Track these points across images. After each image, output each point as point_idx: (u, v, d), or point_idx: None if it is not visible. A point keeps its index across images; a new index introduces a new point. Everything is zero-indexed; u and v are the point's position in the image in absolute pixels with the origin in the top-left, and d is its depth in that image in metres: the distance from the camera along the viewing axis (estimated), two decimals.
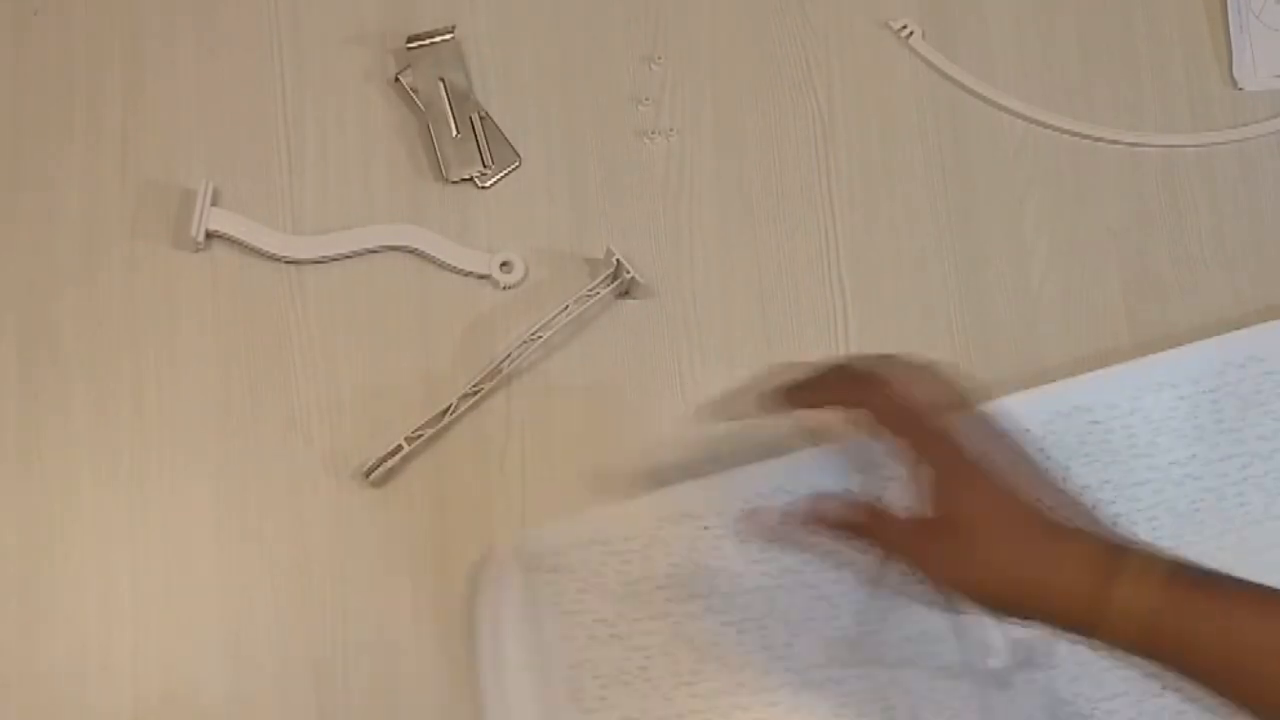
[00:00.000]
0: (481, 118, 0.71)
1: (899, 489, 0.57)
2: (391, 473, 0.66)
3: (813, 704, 0.64)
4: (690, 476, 0.66)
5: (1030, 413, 0.66)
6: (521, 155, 0.71)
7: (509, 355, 0.67)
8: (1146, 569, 0.52)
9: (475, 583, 0.65)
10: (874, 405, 0.57)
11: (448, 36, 0.71)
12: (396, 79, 0.71)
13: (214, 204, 0.68)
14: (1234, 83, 0.75)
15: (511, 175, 0.71)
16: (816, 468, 0.65)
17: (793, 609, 0.65)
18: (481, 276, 0.69)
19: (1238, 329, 0.69)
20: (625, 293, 0.69)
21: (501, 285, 0.69)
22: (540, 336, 0.67)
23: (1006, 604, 0.54)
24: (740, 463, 0.66)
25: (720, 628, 0.64)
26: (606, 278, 0.68)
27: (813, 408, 0.60)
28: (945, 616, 0.64)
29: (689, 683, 0.64)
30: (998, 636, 0.64)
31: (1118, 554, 0.53)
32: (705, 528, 0.65)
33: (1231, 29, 0.75)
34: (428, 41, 0.71)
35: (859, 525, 0.58)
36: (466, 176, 0.70)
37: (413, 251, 0.69)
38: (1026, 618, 0.54)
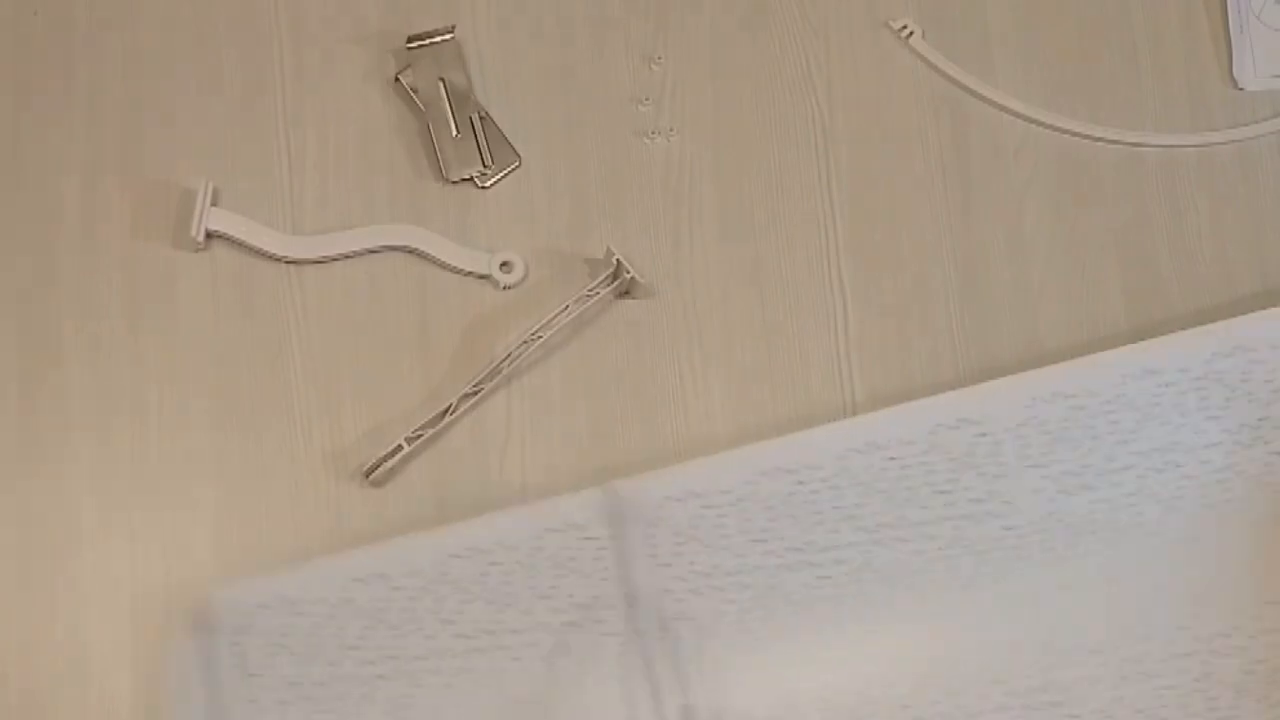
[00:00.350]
0: (481, 118, 0.71)
1: None
2: (391, 473, 0.66)
3: None
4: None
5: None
6: (521, 155, 0.71)
7: (509, 355, 0.67)
8: None
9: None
10: None
11: (448, 36, 0.71)
12: (396, 79, 0.71)
13: (214, 204, 0.68)
14: (1234, 83, 0.75)
15: (511, 175, 0.71)
16: (511, 527, 0.64)
17: (485, 670, 0.63)
18: (481, 276, 0.69)
19: None
20: (625, 293, 0.69)
21: (501, 285, 0.69)
22: (540, 336, 0.67)
23: None
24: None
25: (408, 689, 0.63)
26: (606, 278, 0.68)
27: None
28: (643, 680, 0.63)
29: None
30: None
31: None
32: (396, 588, 0.63)
33: (1231, 29, 0.75)
34: (428, 41, 0.71)
35: None
36: (466, 176, 0.70)
37: (413, 251, 0.69)
38: None
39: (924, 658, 0.65)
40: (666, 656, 0.64)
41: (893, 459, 0.65)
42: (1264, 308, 0.70)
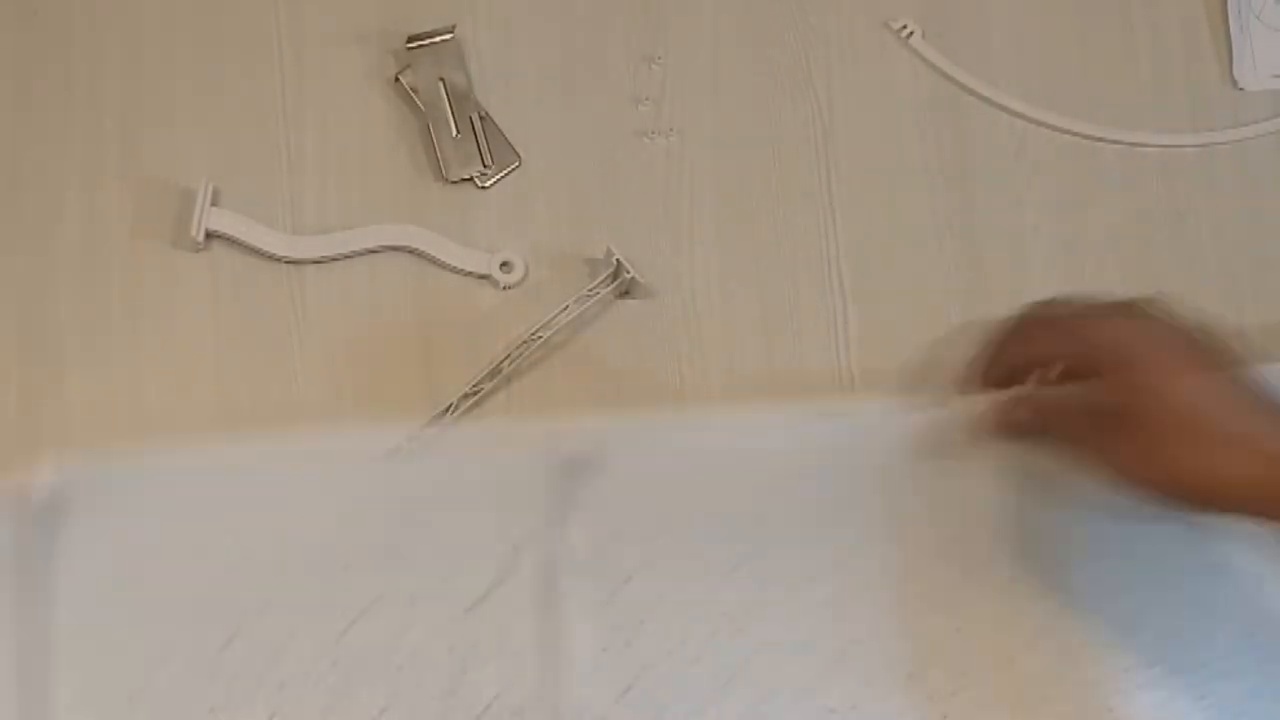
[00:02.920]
0: (481, 118, 0.71)
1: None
2: None
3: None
4: None
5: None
6: (521, 155, 0.71)
7: (509, 355, 0.67)
8: None
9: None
10: (1039, 329, 0.55)
11: (448, 36, 0.71)
12: (396, 79, 0.71)
13: (214, 204, 0.68)
14: (1234, 83, 0.75)
15: (511, 175, 0.71)
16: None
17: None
18: (481, 276, 0.69)
19: (1238, 330, 0.69)
20: (625, 293, 0.69)
21: (501, 285, 0.69)
22: (540, 336, 0.67)
23: (1195, 498, 0.51)
24: None
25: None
26: (606, 278, 0.68)
27: (1016, 379, 0.56)
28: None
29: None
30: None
31: None
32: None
33: (1231, 29, 0.75)
34: (428, 41, 0.71)
35: (1042, 410, 0.55)
36: (466, 176, 0.70)
37: (413, 251, 0.69)
38: (1215, 510, 0.51)
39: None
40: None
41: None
42: (1264, 309, 0.71)
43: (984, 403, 0.56)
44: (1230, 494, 0.51)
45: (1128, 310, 0.55)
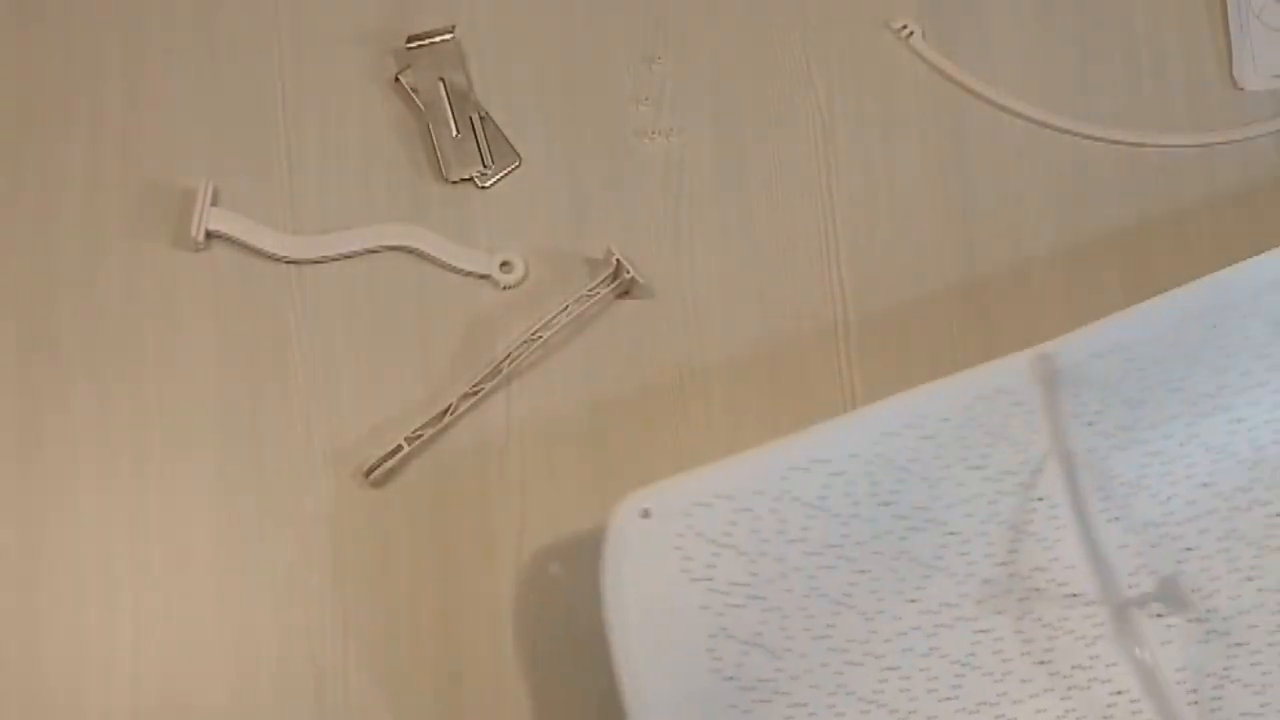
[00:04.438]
0: (481, 118, 0.71)
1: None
2: (391, 473, 0.66)
3: (946, 645, 0.62)
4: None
5: (1155, 319, 0.64)
6: (521, 155, 0.71)
7: (509, 355, 0.67)
8: None
9: (598, 554, 0.61)
10: None
11: (448, 36, 0.71)
12: (396, 79, 0.71)
13: (214, 204, 0.68)
14: (1234, 83, 0.75)
15: (511, 175, 0.71)
16: (944, 399, 0.63)
17: (923, 549, 0.63)
18: (481, 276, 0.69)
19: None
20: (625, 293, 0.69)
21: (501, 285, 0.69)
22: (540, 336, 0.67)
23: None
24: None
25: (854, 576, 0.62)
26: (606, 278, 0.68)
27: None
28: (1079, 542, 0.63)
29: (824, 636, 0.61)
30: (1134, 563, 0.63)
31: None
32: (837, 473, 0.62)
33: (1231, 29, 0.75)
34: (428, 41, 0.71)
35: None
36: (466, 176, 0.70)
37: (413, 251, 0.69)
38: None
39: None
40: (1105, 515, 0.64)
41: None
42: None
43: None
44: None
45: None
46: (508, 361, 0.67)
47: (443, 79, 0.71)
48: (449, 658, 0.64)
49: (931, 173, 0.73)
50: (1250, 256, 0.72)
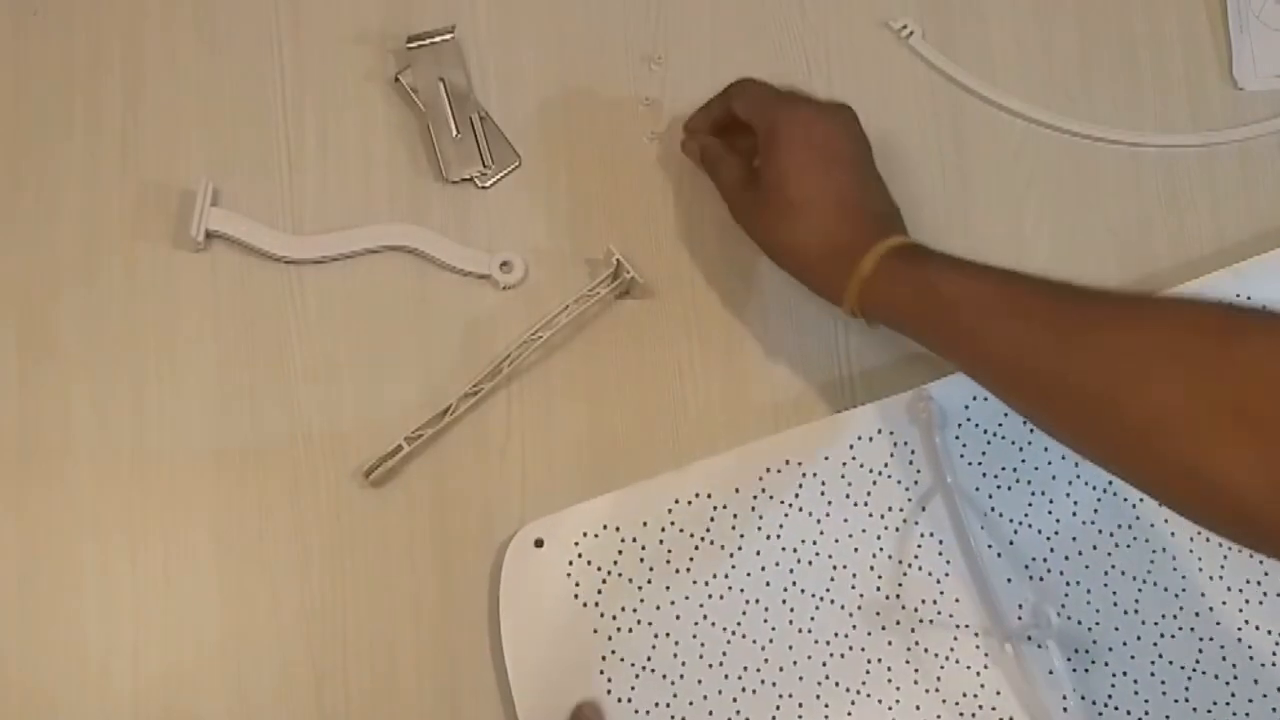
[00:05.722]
0: (481, 118, 0.71)
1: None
2: (391, 473, 0.66)
3: (839, 674, 0.64)
4: (701, 455, 0.67)
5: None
6: (521, 155, 0.71)
7: (509, 355, 0.67)
8: (886, 249, 0.60)
9: (492, 581, 0.65)
10: (742, 95, 0.67)
11: (448, 36, 0.71)
12: (396, 79, 0.71)
13: (214, 204, 0.68)
14: (1234, 83, 0.75)
15: (511, 175, 0.71)
16: (824, 437, 0.66)
17: (812, 581, 0.65)
18: (481, 276, 0.69)
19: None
20: (625, 293, 0.69)
21: (501, 285, 0.69)
22: (540, 336, 0.67)
23: (792, 269, 0.64)
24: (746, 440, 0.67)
25: (744, 605, 0.65)
26: (606, 278, 0.68)
27: (712, 128, 0.69)
28: (965, 576, 0.66)
29: (718, 663, 0.64)
30: (1019, 596, 0.66)
31: (876, 236, 0.61)
32: (720, 506, 0.65)
33: (1231, 29, 0.75)
34: (428, 41, 0.71)
35: (706, 153, 0.68)
36: (466, 176, 0.70)
37: (413, 251, 0.69)
38: (809, 286, 0.64)
39: None
40: (991, 550, 0.67)
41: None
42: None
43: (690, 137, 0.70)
44: (804, 261, 0.63)
45: (814, 104, 0.66)
46: (508, 361, 0.67)
47: (443, 79, 0.71)
48: (448, 658, 0.64)
49: (931, 172, 0.73)
50: (1250, 256, 0.72)
